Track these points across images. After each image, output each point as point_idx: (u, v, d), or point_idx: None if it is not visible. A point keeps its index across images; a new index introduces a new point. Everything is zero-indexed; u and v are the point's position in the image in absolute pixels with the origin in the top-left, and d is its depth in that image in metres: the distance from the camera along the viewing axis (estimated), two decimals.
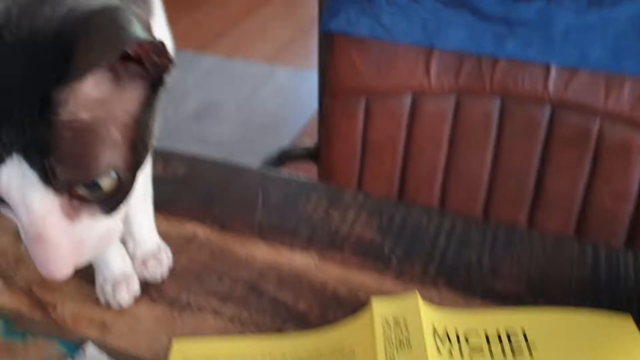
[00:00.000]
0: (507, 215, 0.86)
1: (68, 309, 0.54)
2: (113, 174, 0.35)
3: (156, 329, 0.52)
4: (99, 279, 0.54)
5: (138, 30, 0.32)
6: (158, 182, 0.65)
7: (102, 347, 0.50)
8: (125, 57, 0.34)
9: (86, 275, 0.56)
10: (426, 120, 0.86)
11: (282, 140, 1.91)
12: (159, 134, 0.41)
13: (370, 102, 0.87)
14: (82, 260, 0.38)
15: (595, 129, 0.78)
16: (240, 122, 2.09)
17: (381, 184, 0.90)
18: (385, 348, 0.43)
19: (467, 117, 0.85)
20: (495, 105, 0.83)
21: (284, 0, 3.08)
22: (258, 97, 2.25)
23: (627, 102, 0.76)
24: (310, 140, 1.04)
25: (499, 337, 0.45)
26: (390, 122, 0.88)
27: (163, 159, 0.72)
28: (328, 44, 0.88)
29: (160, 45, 0.34)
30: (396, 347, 0.43)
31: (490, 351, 0.44)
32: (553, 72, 0.78)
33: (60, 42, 0.32)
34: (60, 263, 0.36)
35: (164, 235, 0.60)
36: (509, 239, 0.59)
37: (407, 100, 0.86)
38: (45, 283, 0.56)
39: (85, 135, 0.34)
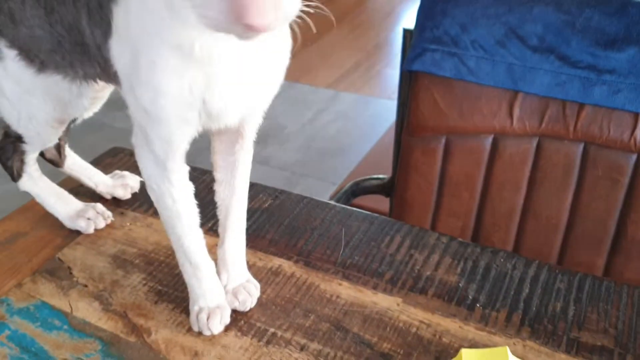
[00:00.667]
0: (584, 260, 0.85)
1: (161, 335, 0.56)
2: None
3: (244, 359, 0.54)
4: (194, 308, 0.57)
5: None
6: (247, 213, 0.67)
7: None
8: None
9: (177, 304, 0.59)
10: (506, 161, 0.86)
11: (344, 165, 1.93)
12: None
13: (451, 140, 0.88)
14: (280, 12, 0.34)
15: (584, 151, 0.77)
16: (302, 145, 2.13)
17: (456, 222, 0.90)
18: None
19: (548, 160, 0.85)
20: (578, 150, 0.83)
21: (348, 26, 3.13)
22: (320, 121, 2.29)
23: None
24: (374, 167, 1.05)
25: None
26: (469, 161, 0.88)
27: (250, 189, 0.75)
28: (411, 81, 0.90)
29: None
30: None
31: None
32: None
33: None
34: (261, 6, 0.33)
35: (251, 266, 0.62)
36: (595, 289, 0.59)
37: (488, 141, 0.87)
38: (140, 309, 0.59)
39: None
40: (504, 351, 0.47)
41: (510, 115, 0.84)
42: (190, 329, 0.57)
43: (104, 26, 0.48)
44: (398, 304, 0.58)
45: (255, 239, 0.67)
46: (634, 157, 0.79)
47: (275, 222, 0.70)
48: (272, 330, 0.56)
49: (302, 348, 0.55)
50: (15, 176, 0.67)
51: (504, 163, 0.87)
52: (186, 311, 0.58)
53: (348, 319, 0.57)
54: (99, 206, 0.70)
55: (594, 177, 0.83)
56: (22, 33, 0.56)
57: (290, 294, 0.60)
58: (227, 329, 0.57)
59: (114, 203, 0.73)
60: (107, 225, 0.70)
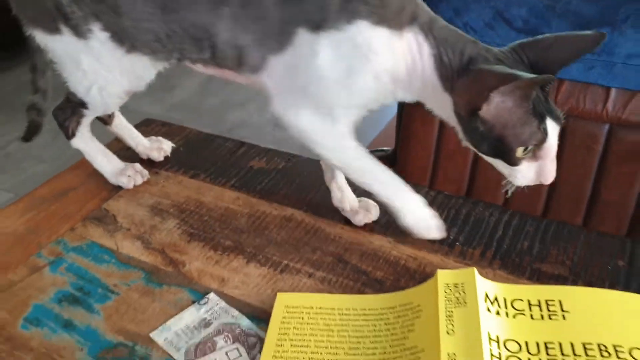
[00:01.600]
0: (564, 219, 0.95)
1: (194, 266, 0.68)
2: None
3: (262, 284, 0.65)
4: (407, 219, 0.67)
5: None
6: (263, 173, 0.79)
7: (221, 296, 0.64)
8: None
9: (206, 243, 0.71)
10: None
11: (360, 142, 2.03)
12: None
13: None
14: None
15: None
16: None
17: (451, 185, 1.01)
18: (445, 305, 0.55)
19: None
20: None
21: None
22: None
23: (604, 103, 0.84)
24: (384, 144, 1.16)
25: (539, 305, 0.56)
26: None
27: (265, 154, 0.86)
28: None
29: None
30: (454, 305, 0.54)
31: (531, 315, 0.55)
32: (613, 93, 0.87)
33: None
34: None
35: (267, 215, 0.74)
36: (559, 232, 0.69)
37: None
38: (175, 246, 0.71)
39: None
40: (472, 271, 0.58)
41: None
42: (217, 261, 0.68)
43: (268, 43, 0.61)
44: (390, 242, 0.69)
45: (271, 194, 0.79)
46: (606, 127, 0.89)
47: (288, 180, 0.81)
48: (285, 262, 0.68)
49: (310, 275, 0.66)
50: (70, 135, 0.79)
51: None
52: (214, 248, 0.70)
53: (348, 254, 0.68)
54: (138, 166, 0.82)
55: (572, 145, 0.93)
56: (123, 23, 0.65)
57: (300, 236, 0.72)
58: (247, 261, 0.68)
59: (149, 164, 0.85)
60: (144, 182, 0.81)
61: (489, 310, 0.55)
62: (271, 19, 0.60)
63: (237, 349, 0.58)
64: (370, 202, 0.72)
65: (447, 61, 0.57)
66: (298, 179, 0.81)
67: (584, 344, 0.52)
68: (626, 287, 0.60)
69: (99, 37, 0.67)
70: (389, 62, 0.59)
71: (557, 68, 0.56)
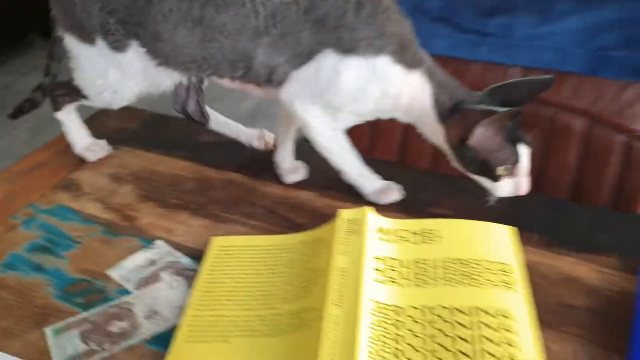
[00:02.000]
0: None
1: (146, 221, 0.80)
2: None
3: (203, 232, 0.77)
4: (371, 194, 0.80)
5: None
6: (211, 147, 0.91)
7: (167, 242, 0.76)
8: None
9: (158, 203, 0.83)
10: None
11: None
12: None
13: None
14: None
15: (546, 115, 1.00)
16: None
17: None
18: (341, 234, 0.67)
19: None
20: None
21: None
22: None
23: (569, 95, 0.98)
24: None
25: (420, 233, 0.69)
26: None
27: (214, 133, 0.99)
28: None
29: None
30: (349, 233, 0.67)
31: (411, 240, 0.68)
32: (514, 71, 1.01)
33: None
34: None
35: (216, 180, 0.86)
36: (455, 184, 0.82)
37: None
38: (130, 206, 0.83)
39: None
40: (366, 209, 0.71)
41: None
42: (165, 216, 0.80)
43: (296, 60, 0.73)
44: (314, 196, 0.82)
45: (216, 163, 0.91)
46: None
47: (232, 152, 0.93)
48: (223, 215, 0.80)
49: (243, 224, 0.78)
50: (58, 107, 0.89)
51: None
52: (163, 206, 0.82)
53: (278, 206, 0.81)
54: (102, 142, 0.94)
55: None
56: (162, 46, 0.75)
57: (239, 194, 0.84)
58: (191, 215, 0.81)
59: (112, 142, 0.96)
60: (107, 156, 0.94)
61: (377, 237, 0.68)
62: (304, 44, 0.72)
63: (178, 280, 0.71)
64: (302, 163, 0.85)
65: (442, 100, 0.72)
66: (241, 151, 0.94)
67: (447, 259, 0.65)
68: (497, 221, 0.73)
69: (135, 51, 0.77)
70: (396, 91, 0.73)
71: (521, 104, 0.69)
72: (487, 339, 0.57)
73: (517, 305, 0.61)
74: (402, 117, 0.77)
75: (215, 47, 0.74)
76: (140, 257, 0.74)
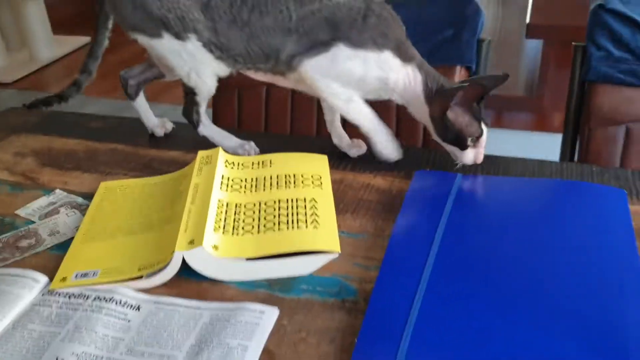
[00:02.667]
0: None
1: (46, 179, 1.00)
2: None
3: (93, 182, 0.98)
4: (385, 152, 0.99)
5: None
6: (100, 130, 1.12)
7: (65, 190, 0.96)
8: None
9: (55, 167, 1.03)
10: (274, 102, 1.36)
11: None
12: None
13: (241, 92, 1.37)
14: None
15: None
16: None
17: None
18: (198, 164, 0.91)
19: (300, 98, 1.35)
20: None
21: None
22: None
23: None
24: None
25: (259, 162, 0.94)
26: (253, 105, 1.38)
27: (103, 119, 1.20)
28: None
29: None
30: (204, 164, 0.90)
31: (251, 166, 0.92)
32: None
33: None
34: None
35: (98, 150, 1.07)
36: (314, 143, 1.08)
37: (263, 90, 1.36)
38: (32, 170, 1.02)
39: None
40: (218, 148, 0.95)
41: None
42: (62, 175, 1.00)
43: (312, 52, 0.91)
44: (182, 154, 1.05)
45: (103, 139, 1.12)
46: None
47: (119, 132, 1.15)
48: (109, 170, 1.01)
49: (125, 175, 1.00)
50: (196, 125, 1.04)
51: (275, 102, 1.37)
52: (59, 169, 1.02)
53: (153, 162, 1.03)
54: (170, 124, 1.13)
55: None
56: (218, 40, 0.93)
57: (121, 157, 1.05)
58: (83, 173, 1.01)
59: (30, 131, 1.15)
60: (9, 139, 1.12)
61: (225, 165, 0.91)
62: (322, 39, 0.91)
63: (74, 211, 0.91)
64: (358, 140, 1.03)
65: (430, 86, 0.92)
66: (125, 130, 1.15)
67: (277, 175, 0.90)
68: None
69: (195, 43, 0.94)
70: (395, 77, 0.92)
71: (485, 92, 0.90)
72: (299, 214, 0.81)
73: (322, 196, 0.86)
74: (398, 99, 0.95)
75: (257, 43, 0.92)
76: (42, 201, 0.94)
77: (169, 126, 1.14)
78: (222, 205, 0.83)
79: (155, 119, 1.13)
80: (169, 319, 0.70)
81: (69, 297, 0.74)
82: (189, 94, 1.01)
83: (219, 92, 1.01)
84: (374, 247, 0.80)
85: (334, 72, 0.93)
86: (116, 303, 0.72)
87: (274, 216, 0.82)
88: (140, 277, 0.75)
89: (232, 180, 0.89)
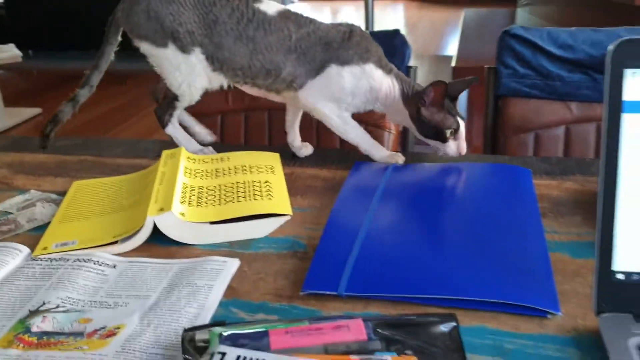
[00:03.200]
0: None
1: (20, 183, 1.09)
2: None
3: (66, 184, 1.07)
4: (383, 157, 1.09)
5: None
6: (68, 146, 1.22)
7: (39, 190, 1.05)
8: None
9: (29, 174, 1.12)
10: (228, 129, 1.50)
11: None
12: None
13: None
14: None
15: (316, 119, 1.44)
16: None
17: None
18: (164, 159, 1.02)
19: (253, 123, 1.49)
20: (265, 115, 1.48)
21: None
22: None
23: None
24: None
25: (218, 159, 1.06)
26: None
27: (71, 139, 1.30)
28: None
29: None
30: (169, 159, 1.02)
31: (212, 161, 1.04)
32: None
33: None
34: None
35: (68, 161, 1.17)
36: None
37: (218, 119, 1.50)
38: (15, 177, 1.11)
39: None
40: (182, 148, 1.07)
41: (227, 100, 1.48)
42: (36, 179, 1.10)
43: (311, 73, 1.03)
44: (149, 162, 1.16)
45: (72, 153, 1.22)
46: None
47: (86, 147, 1.26)
48: (79, 175, 1.11)
49: (95, 178, 1.10)
50: (165, 124, 1.12)
51: (229, 130, 1.50)
52: (33, 174, 1.11)
53: (121, 167, 1.14)
54: (209, 148, 1.18)
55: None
56: (222, 54, 1.03)
57: (90, 165, 1.16)
58: (55, 177, 1.10)
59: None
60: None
61: (187, 160, 1.03)
62: (318, 60, 1.03)
63: (50, 204, 1.00)
64: (307, 143, 1.17)
65: (406, 92, 1.05)
66: (91, 145, 1.26)
67: (235, 166, 1.02)
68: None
69: (197, 57, 1.04)
70: (378, 86, 1.04)
71: (457, 93, 1.04)
72: (255, 191, 0.94)
73: (275, 180, 0.99)
74: (380, 107, 1.07)
75: (259, 59, 1.02)
76: (19, 198, 1.03)
77: (210, 139, 1.23)
78: (187, 186, 0.95)
79: (204, 128, 1.23)
80: (143, 272, 0.80)
81: (51, 260, 0.83)
82: (169, 98, 1.10)
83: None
84: (321, 216, 0.92)
85: (329, 91, 1.04)
86: (94, 263, 0.81)
87: (233, 193, 0.94)
88: (115, 243, 0.85)
89: (195, 171, 1.01)
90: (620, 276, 0.62)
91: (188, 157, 1.05)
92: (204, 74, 1.06)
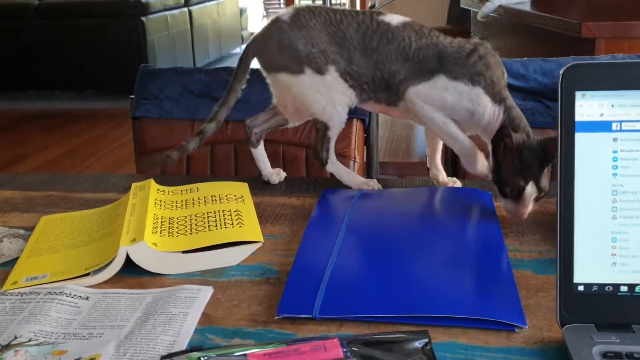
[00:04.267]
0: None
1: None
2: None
3: (33, 219, 1.07)
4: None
5: None
6: (38, 182, 1.21)
7: (5, 226, 1.04)
8: None
9: (15, 209, 1.11)
10: (195, 162, 1.51)
11: None
12: None
13: None
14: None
15: (280, 150, 1.46)
16: None
17: None
18: (133, 191, 1.03)
19: (219, 156, 1.51)
20: (231, 148, 1.50)
21: None
22: None
23: (291, 135, 1.45)
24: None
25: (187, 189, 1.07)
26: (175, 166, 1.51)
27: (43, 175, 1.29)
28: (137, 124, 1.53)
29: None
30: (138, 191, 1.03)
31: (181, 192, 1.05)
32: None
33: None
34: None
35: (34, 197, 1.17)
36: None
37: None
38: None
39: None
40: (150, 179, 1.08)
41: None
42: (2, 216, 1.09)
43: (417, 80, 1.02)
44: (118, 195, 1.16)
45: (39, 189, 1.21)
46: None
47: (51, 183, 1.25)
48: (47, 210, 1.11)
49: (63, 212, 1.10)
50: (325, 162, 1.11)
51: (195, 163, 1.51)
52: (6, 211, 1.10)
53: (89, 202, 1.14)
54: (279, 170, 1.19)
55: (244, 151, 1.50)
56: (351, 68, 1.04)
57: (57, 200, 1.15)
58: (21, 213, 1.10)
59: None
60: None
61: (157, 191, 1.04)
62: (428, 69, 1.01)
63: (18, 240, 0.99)
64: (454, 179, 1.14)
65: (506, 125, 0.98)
66: (58, 180, 1.26)
67: (205, 196, 1.03)
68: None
69: (331, 75, 1.05)
70: (481, 112, 1.00)
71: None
72: (226, 220, 0.95)
73: (245, 208, 1.00)
74: (478, 131, 1.03)
75: (380, 69, 1.03)
76: None
77: (282, 175, 1.20)
78: (158, 217, 0.96)
79: (271, 168, 1.20)
80: (116, 303, 0.80)
81: (21, 295, 0.82)
82: (320, 131, 1.10)
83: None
84: (292, 242, 0.94)
85: (431, 98, 1.02)
86: (66, 295, 0.81)
87: (204, 222, 0.95)
88: (87, 275, 0.85)
89: (164, 203, 1.02)
90: (581, 288, 0.65)
91: (157, 189, 1.06)
92: (342, 90, 1.07)
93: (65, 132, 4.63)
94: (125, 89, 5.79)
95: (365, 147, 1.48)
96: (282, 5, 10.36)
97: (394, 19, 1.07)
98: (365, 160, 1.50)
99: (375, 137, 1.48)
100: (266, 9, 10.63)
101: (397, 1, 3.12)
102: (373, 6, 9.61)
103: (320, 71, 1.05)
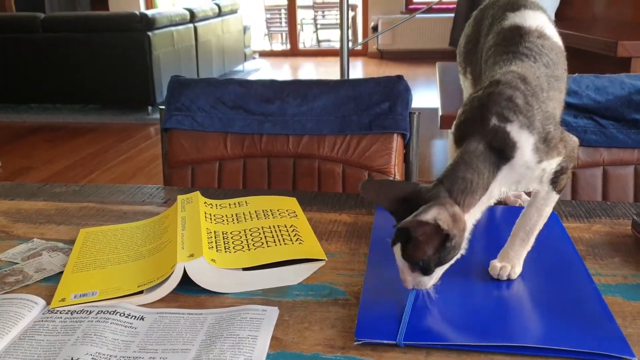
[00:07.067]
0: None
1: (20, 232, 1.02)
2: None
3: (70, 232, 1.01)
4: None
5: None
6: (65, 193, 1.16)
7: (43, 239, 0.98)
8: None
9: (28, 222, 1.05)
10: (226, 175, 1.46)
11: None
12: None
13: (194, 167, 1.45)
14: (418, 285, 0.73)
15: (316, 165, 1.41)
16: None
17: None
18: (180, 204, 0.97)
19: (251, 170, 1.45)
20: (265, 162, 1.45)
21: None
22: None
23: (328, 150, 1.40)
24: None
25: (235, 203, 1.01)
26: (206, 178, 1.46)
27: (68, 186, 1.24)
28: (167, 135, 1.47)
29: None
30: (185, 204, 0.97)
31: (229, 205, 1.00)
32: (290, 138, 1.42)
33: None
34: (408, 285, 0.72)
35: (68, 208, 1.11)
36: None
37: (216, 165, 1.46)
38: (14, 225, 1.04)
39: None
40: (197, 192, 1.02)
41: (225, 147, 1.44)
42: (37, 227, 1.03)
43: None
44: (156, 208, 1.10)
45: (72, 201, 1.16)
46: (292, 160, 1.43)
47: (82, 193, 1.19)
48: (83, 223, 1.05)
49: (102, 225, 1.04)
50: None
51: (227, 176, 1.46)
52: (33, 223, 1.04)
53: (127, 214, 1.08)
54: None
55: (276, 172, 1.44)
56: (479, 71, 0.97)
57: (93, 212, 1.10)
58: (57, 225, 1.04)
59: None
60: None
61: (204, 205, 0.99)
62: None
63: (57, 254, 0.93)
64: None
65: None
66: (91, 192, 1.20)
67: (256, 210, 0.98)
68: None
69: (466, 78, 1.06)
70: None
71: None
72: (283, 236, 0.89)
73: (300, 224, 0.95)
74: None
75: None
76: (22, 247, 0.96)
77: (524, 198, 1.09)
78: (211, 232, 0.90)
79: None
80: (175, 324, 0.74)
81: (71, 313, 0.76)
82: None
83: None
84: (353, 262, 0.88)
85: None
86: (120, 315, 0.75)
87: (260, 238, 0.89)
88: (140, 293, 0.79)
89: (214, 216, 0.96)
90: None
91: (205, 202, 1.00)
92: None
93: (69, 145, 4.57)
94: (130, 103, 5.77)
95: (404, 164, 1.43)
96: (283, 25, 10.38)
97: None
98: (404, 177, 1.45)
99: (415, 154, 1.43)
100: (268, 28, 10.65)
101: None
102: (375, 27, 9.71)
103: (463, 74, 1.10)
